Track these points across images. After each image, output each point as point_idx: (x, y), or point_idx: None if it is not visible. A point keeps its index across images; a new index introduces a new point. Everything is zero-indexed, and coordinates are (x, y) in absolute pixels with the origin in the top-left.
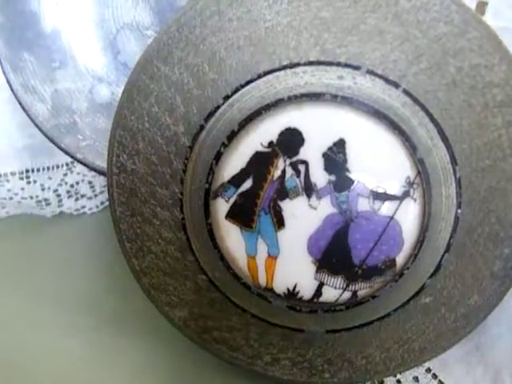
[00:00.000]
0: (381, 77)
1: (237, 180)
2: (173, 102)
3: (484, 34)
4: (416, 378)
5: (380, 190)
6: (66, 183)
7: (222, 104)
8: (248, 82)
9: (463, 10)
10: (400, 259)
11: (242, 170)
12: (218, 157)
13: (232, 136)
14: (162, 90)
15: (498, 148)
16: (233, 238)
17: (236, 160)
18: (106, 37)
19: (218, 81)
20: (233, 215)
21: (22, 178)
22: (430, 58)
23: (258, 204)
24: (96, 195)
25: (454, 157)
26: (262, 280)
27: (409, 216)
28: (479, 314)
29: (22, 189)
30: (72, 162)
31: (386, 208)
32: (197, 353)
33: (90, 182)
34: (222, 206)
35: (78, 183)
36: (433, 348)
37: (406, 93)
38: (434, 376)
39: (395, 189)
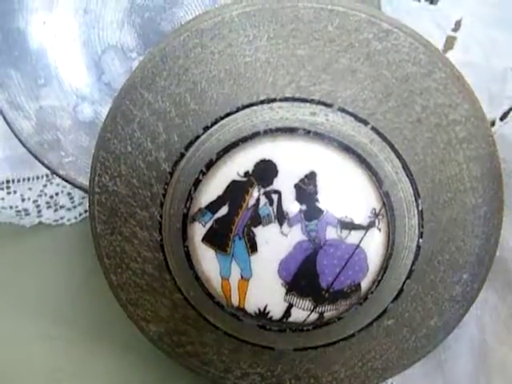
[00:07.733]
0: (351, 114)
1: (214, 206)
2: (155, 128)
3: (449, 75)
4: None
5: (347, 220)
6: (46, 194)
7: (202, 134)
8: (227, 115)
9: (430, 52)
10: (365, 284)
11: (219, 197)
12: (197, 184)
13: (210, 165)
14: (144, 117)
15: (459, 182)
16: (208, 261)
17: (213, 187)
18: (90, 57)
19: (198, 111)
20: (209, 239)
21: (2, 189)
22: (398, 97)
23: (232, 229)
24: (75, 206)
25: (417, 190)
26: (235, 300)
27: (374, 244)
28: (439, 334)
29: (2, 199)
30: (52, 174)
31: (353, 236)
32: (170, 365)
33: (69, 194)
34: (198, 230)
35: (57, 194)
36: (395, 366)
37: (374, 130)
38: None
39: (361, 219)
